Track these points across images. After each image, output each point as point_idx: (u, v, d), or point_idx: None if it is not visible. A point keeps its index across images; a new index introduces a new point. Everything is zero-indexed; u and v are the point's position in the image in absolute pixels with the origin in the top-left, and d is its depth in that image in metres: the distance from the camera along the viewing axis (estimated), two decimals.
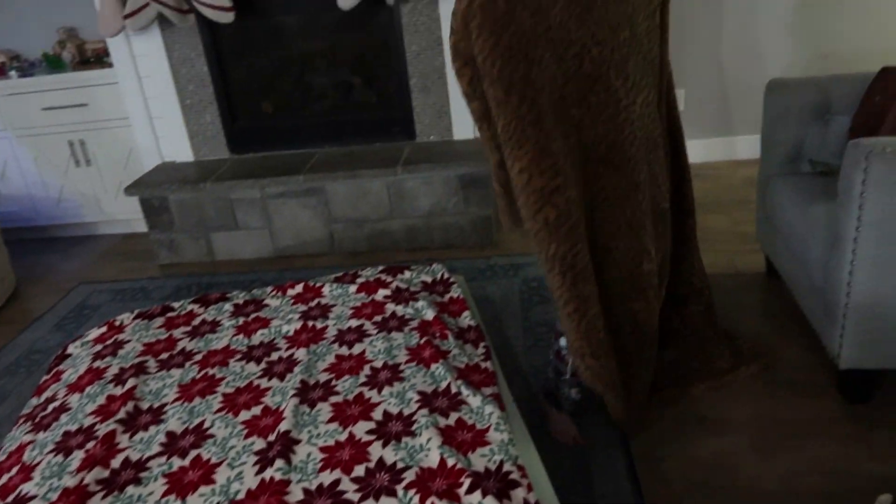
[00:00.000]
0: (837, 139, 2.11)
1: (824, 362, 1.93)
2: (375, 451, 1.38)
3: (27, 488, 1.47)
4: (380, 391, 1.57)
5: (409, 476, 1.30)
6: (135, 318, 2.12)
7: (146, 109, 3.21)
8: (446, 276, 2.12)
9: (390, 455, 1.36)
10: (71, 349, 2.13)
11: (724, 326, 2.11)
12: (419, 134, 3.11)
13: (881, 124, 1.91)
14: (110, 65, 3.26)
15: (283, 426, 1.48)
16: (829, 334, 1.78)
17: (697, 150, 3.56)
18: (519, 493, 1.25)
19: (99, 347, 2.00)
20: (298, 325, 1.93)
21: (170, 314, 2.12)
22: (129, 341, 1.98)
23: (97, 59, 3.46)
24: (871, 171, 1.53)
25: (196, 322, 2.05)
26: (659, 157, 1.72)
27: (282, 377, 1.69)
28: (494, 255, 2.83)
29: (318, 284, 2.14)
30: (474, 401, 1.50)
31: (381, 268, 2.21)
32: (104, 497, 1.39)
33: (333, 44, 3.19)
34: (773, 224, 2.18)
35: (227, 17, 2.84)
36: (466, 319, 1.89)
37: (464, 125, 3.06)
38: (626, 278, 1.66)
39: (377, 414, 1.49)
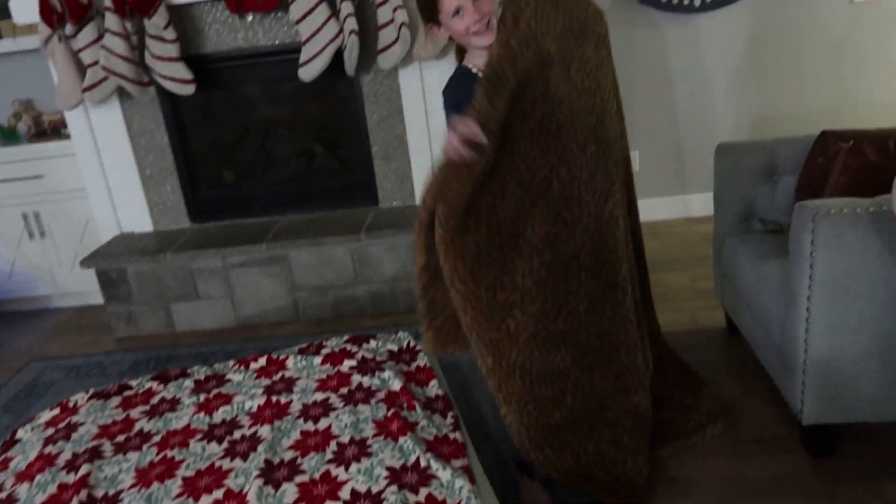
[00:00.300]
0: (785, 198, 2.20)
1: (788, 417, 1.95)
2: None
3: None
4: (347, 468, 1.53)
5: None
6: (89, 399, 2.04)
7: (104, 180, 3.18)
8: (412, 343, 2.10)
9: None
10: (20, 434, 2.03)
11: (690, 385, 2.13)
12: (382, 199, 3.13)
13: (825, 185, 1.99)
14: (67, 137, 3.23)
15: None
16: (790, 390, 1.81)
17: (653, 209, 3.65)
18: None
19: (51, 431, 1.91)
20: (262, 400, 1.88)
21: (127, 393, 2.05)
22: (83, 423, 1.91)
23: (54, 130, 3.43)
24: (818, 232, 1.59)
25: (155, 400, 1.98)
26: (631, 251, 1.80)
27: (245, 457, 1.64)
28: None
29: (281, 357, 2.10)
30: (444, 475, 1.47)
31: (346, 337, 2.19)
32: None
33: (295, 112, 3.23)
34: (731, 281, 2.23)
35: (188, 90, 2.86)
36: (434, 388, 1.87)
37: None
38: (623, 374, 1.70)
39: (345, 493, 1.45)
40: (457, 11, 1.56)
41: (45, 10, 2.78)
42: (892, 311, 1.62)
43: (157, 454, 1.71)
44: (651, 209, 3.66)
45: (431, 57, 2.83)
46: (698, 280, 2.93)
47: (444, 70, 2.93)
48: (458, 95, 1.63)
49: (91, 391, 2.07)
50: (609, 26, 1.74)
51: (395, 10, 2.72)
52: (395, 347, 2.11)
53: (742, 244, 2.17)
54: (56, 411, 2.01)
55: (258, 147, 3.28)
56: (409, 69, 2.93)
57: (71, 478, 1.66)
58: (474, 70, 1.66)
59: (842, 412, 1.75)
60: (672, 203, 3.65)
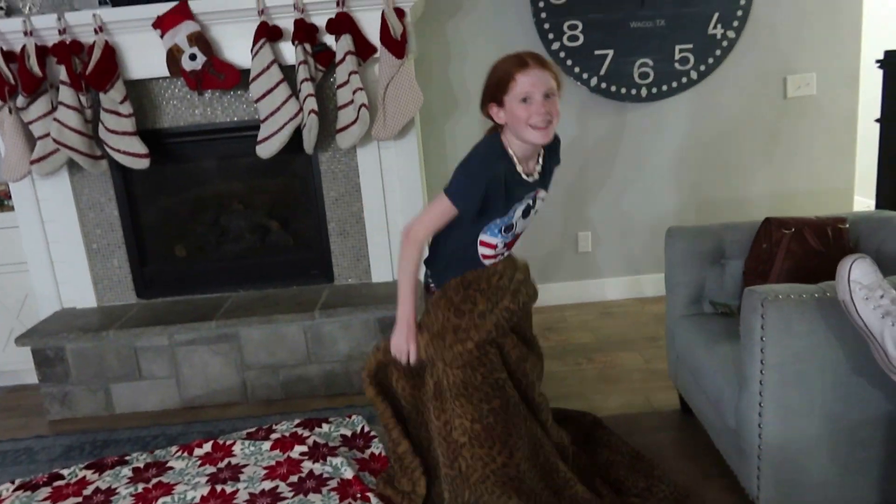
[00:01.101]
0: (734, 282, 2.26)
1: (745, 502, 1.94)
2: None
3: None
4: None
5: None
6: (15, 490, 1.90)
7: (48, 254, 3.07)
8: (366, 429, 2.04)
9: None
10: None
11: (641, 469, 2.11)
12: (337, 277, 3.10)
13: (770, 269, 2.06)
14: (11, 208, 3.13)
15: None
16: (746, 475, 1.80)
17: (606, 289, 3.71)
18: None
19: None
20: (206, 490, 1.78)
21: (58, 483, 1.92)
22: None
23: None
24: (768, 317, 1.63)
25: (88, 491, 1.86)
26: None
27: None
28: None
29: (228, 442, 2.01)
30: None
31: (297, 421, 2.12)
32: None
33: (250, 187, 3.22)
34: (684, 363, 2.25)
35: (143, 164, 2.82)
36: None
37: (382, 268, 3.09)
38: None
39: None
40: (525, 99, 1.60)
41: None
42: (840, 395, 1.65)
43: None
44: (604, 289, 3.71)
45: (390, 137, 2.88)
46: (652, 361, 2.95)
47: (401, 150, 2.98)
48: (490, 173, 1.67)
49: (17, 482, 1.93)
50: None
51: (354, 91, 2.77)
52: (348, 432, 2.05)
53: (694, 326, 2.20)
54: None
55: (212, 222, 3.23)
56: (368, 148, 2.97)
57: None
58: (510, 152, 1.71)
59: (798, 498, 1.74)
60: (624, 283, 3.72)
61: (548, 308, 3.67)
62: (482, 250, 1.80)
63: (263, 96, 2.76)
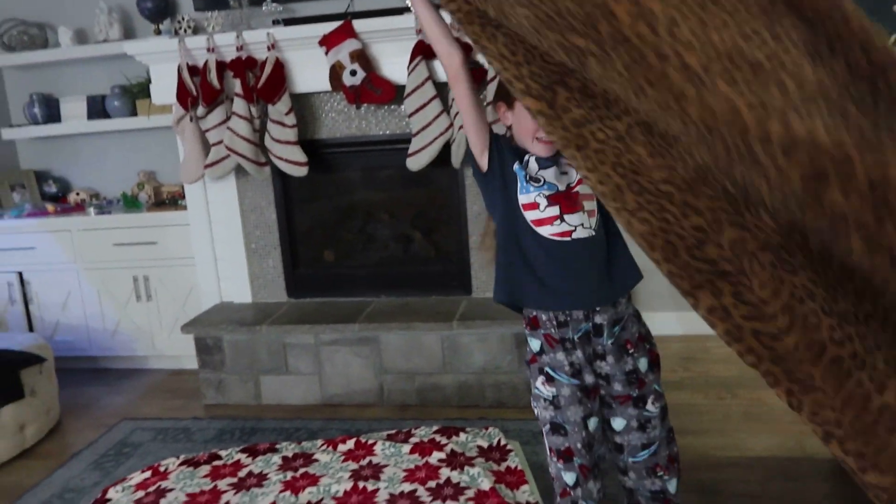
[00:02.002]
0: None
1: None
2: None
3: None
4: None
5: None
6: (180, 465, 2.06)
7: (212, 251, 3.34)
8: (503, 442, 2.04)
9: None
10: (111, 493, 2.06)
11: None
12: (476, 289, 3.14)
13: None
14: (184, 207, 3.44)
15: None
16: None
17: None
18: None
19: (141, 494, 1.93)
20: (349, 485, 1.85)
21: (216, 462, 2.07)
22: (172, 490, 1.92)
23: (172, 201, 3.66)
24: None
25: (242, 473, 1.99)
26: None
27: None
28: None
29: (370, 441, 2.07)
30: None
31: (435, 427, 2.15)
32: None
33: (397, 197, 3.34)
34: None
35: (302, 171, 3.01)
36: (525, 495, 1.79)
37: None
38: None
39: None
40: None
41: (182, 94, 3.03)
42: None
43: None
44: None
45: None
46: None
47: None
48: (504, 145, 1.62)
49: (182, 457, 2.10)
50: None
51: None
52: (485, 444, 2.05)
53: None
54: (147, 474, 2.04)
55: (359, 229, 3.38)
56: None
57: None
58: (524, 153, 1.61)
59: None
60: None
61: (689, 337, 3.51)
62: (529, 217, 1.58)
63: (417, 111, 2.86)
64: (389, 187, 3.32)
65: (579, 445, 1.57)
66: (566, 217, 1.56)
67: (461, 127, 2.81)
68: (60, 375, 3.27)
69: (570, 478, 1.60)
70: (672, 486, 1.64)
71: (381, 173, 3.28)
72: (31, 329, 3.67)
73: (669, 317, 3.57)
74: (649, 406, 1.60)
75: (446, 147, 2.87)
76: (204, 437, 2.79)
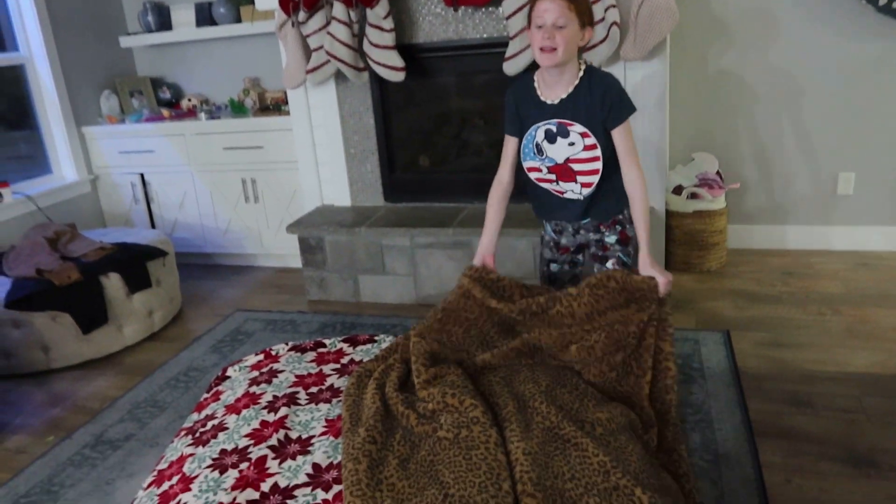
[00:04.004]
0: None
1: None
2: None
3: (186, 498, 1.58)
4: None
5: None
6: (289, 350, 2.25)
7: (314, 155, 3.47)
8: None
9: None
10: (230, 372, 2.28)
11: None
12: None
13: None
14: (287, 113, 3.56)
15: None
16: None
17: (866, 238, 3.31)
18: None
19: (255, 374, 2.13)
20: None
21: (321, 350, 2.24)
22: (283, 371, 2.11)
23: (275, 107, 3.79)
24: None
25: (345, 360, 2.15)
26: None
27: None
28: None
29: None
30: None
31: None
32: None
33: (491, 104, 3.31)
34: None
35: (399, 77, 3.03)
36: None
37: None
38: None
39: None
40: (540, 25, 1.82)
41: None
42: None
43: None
44: (863, 237, 3.32)
45: (638, 57, 2.77)
46: None
47: (648, 72, 2.86)
48: (510, 102, 2.03)
49: (290, 344, 2.28)
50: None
51: (606, 9, 2.69)
52: None
53: None
54: (261, 357, 2.24)
55: (454, 135, 3.40)
56: (614, 68, 2.89)
57: (271, 417, 1.84)
58: (535, 83, 1.98)
59: None
60: (890, 233, 3.29)
61: (792, 252, 3.38)
62: (533, 177, 2.06)
63: (515, 13, 2.79)
64: (485, 93, 3.29)
65: (543, 274, 2.27)
66: (561, 183, 2.02)
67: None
68: (179, 269, 3.57)
69: None
70: None
71: (477, 78, 3.25)
72: (153, 226, 3.99)
73: (772, 230, 3.44)
74: (608, 264, 2.11)
75: None
76: (308, 329, 3.00)
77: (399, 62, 3.02)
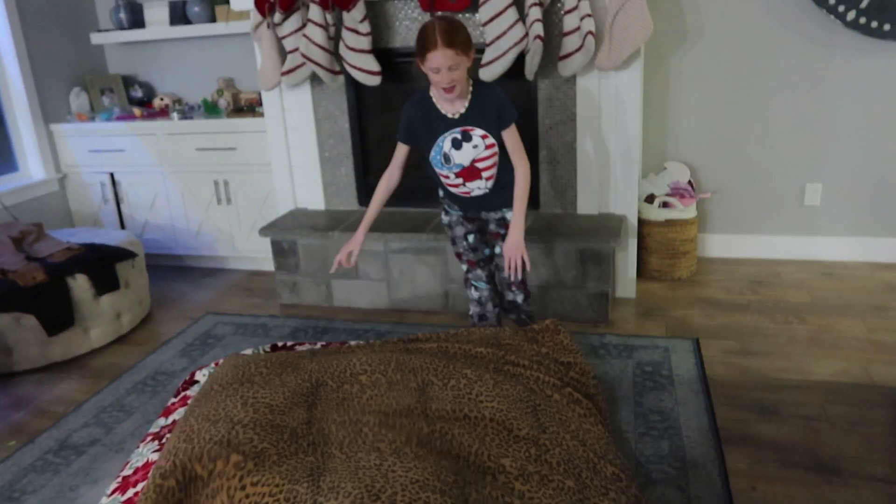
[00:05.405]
0: None
1: None
2: None
3: None
4: None
5: None
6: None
7: (288, 158, 3.44)
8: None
9: None
10: (198, 376, 2.26)
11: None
12: (543, 205, 3.14)
13: None
14: (261, 114, 3.54)
15: None
16: None
17: (832, 248, 3.39)
18: None
19: None
20: None
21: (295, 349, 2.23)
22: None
23: (249, 108, 3.75)
24: None
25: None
26: None
27: None
28: (608, 332, 2.78)
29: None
30: None
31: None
32: None
33: None
34: None
35: (375, 81, 3.03)
36: None
37: (588, 201, 3.07)
38: None
39: None
40: (437, 70, 2.05)
41: (260, 0, 3.05)
42: None
43: None
44: (828, 248, 3.40)
45: (613, 67, 2.81)
46: (876, 331, 2.68)
47: (622, 81, 2.89)
48: (410, 116, 2.27)
49: (267, 347, 2.27)
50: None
51: (582, 18, 2.72)
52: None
53: None
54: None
55: None
56: (588, 77, 2.92)
57: None
58: (434, 100, 2.22)
59: None
60: (853, 244, 3.37)
61: (760, 261, 3.44)
62: (443, 181, 2.36)
63: (491, 20, 2.80)
64: None
65: (465, 247, 2.46)
66: (468, 184, 2.30)
67: (536, 37, 2.75)
68: (149, 271, 3.51)
69: (465, 267, 2.51)
70: (520, 299, 2.49)
71: None
72: (122, 227, 3.92)
73: (741, 240, 3.50)
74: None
75: (520, 58, 2.82)
76: (280, 333, 2.98)
77: (375, 66, 3.01)
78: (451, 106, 2.21)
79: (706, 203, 3.47)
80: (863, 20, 3.00)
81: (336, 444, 1.55)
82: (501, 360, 2.04)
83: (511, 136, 2.24)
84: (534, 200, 3.15)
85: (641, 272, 3.32)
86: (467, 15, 2.98)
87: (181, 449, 1.54)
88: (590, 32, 2.72)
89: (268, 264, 3.68)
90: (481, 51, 2.88)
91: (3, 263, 2.82)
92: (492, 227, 2.44)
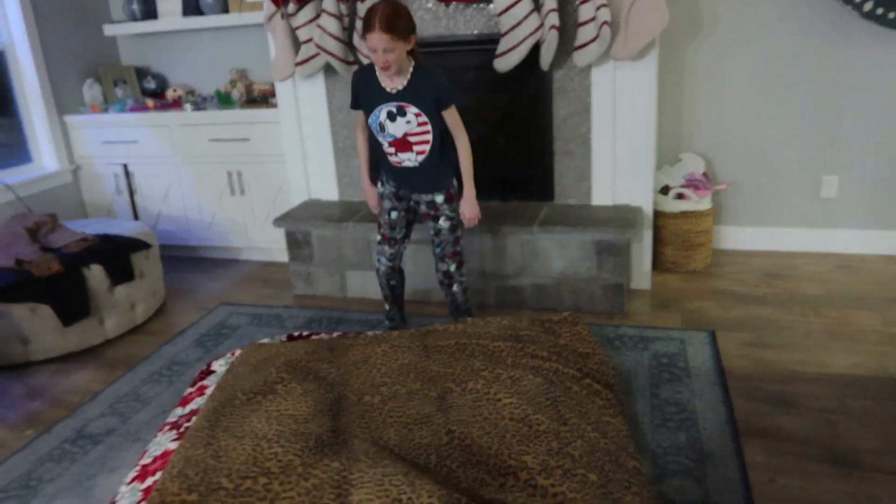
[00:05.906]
0: None
1: None
2: None
3: None
4: None
5: None
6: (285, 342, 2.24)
7: (301, 148, 3.44)
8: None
9: None
10: (215, 366, 2.27)
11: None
12: (557, 196, 3.13)
13: None
14: (274, 105, 3.53)
15: None
16: None
17: (849, 241, 3.36)
18: None
19: None
20: None
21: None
22: None
23: (263, 99, 3.75)
24: None
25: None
26: None
27: None
28: (623, 324, 2.78)
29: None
30: None
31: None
32: None
33: (482, 101, 3.29)
34: None
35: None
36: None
37: (603, 191, 3.06)
38: None
39: None
40: (374, 50, 2.20)
41: None
42: None
43: None
44: (845, 241, 3.37)
45: (628, 57, 2.78)
46: (893, 324, 2.66)
47: (637, 72, 2.87)
48: (354, 84, 2.44)
49: (284, 337, 2.27)
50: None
51: (598, 8, 2.70)
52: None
53: None
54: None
55: None
56: (603, 68, 2.90)
57: None
58: (378, 74, 2.35)
59: None
60: (870, 237, 3.34)
61: (776, 253, 3.42)
62: (382, 148, 2.47)
63: (506, 10, 2.79)
64: (475, 89, 3.27)
65: (385, 220, 2.60)
66: (399, 154, 2.44)
67: (552, 27, 2.73)
68: (163, 262, 3.52)
69: (378, 238, 2.64)
70: (452, 268, 2.59)
71: (467, 75, 3.24)
72: (136, 218, 3.94)
73: (756, 232, 3.48)
74: (440, 222, 2.52)
75: (535, 48, 2.81)
76: (294, 324, 2.98)
77: None
78: (391, 81, 2.34)
79: (721, 195, 3.45)
80: (880, 10, 2.96)
81: (361, 451, 1.57)
82: (520, 352, 2.05)
83: (450, 115, 2.40)
84: (548, 191, 3.14)
85: (656, 264, 3.31)
86: (481, 5, 2.97)
87: (210, 466, 1.56)
88: (605, 22, 2.70)
89: (281, 255, 3.68)
90: (496, 41, 2.87)
91: (18, 254, 2.84)
92: (423, 208, 2.55)
